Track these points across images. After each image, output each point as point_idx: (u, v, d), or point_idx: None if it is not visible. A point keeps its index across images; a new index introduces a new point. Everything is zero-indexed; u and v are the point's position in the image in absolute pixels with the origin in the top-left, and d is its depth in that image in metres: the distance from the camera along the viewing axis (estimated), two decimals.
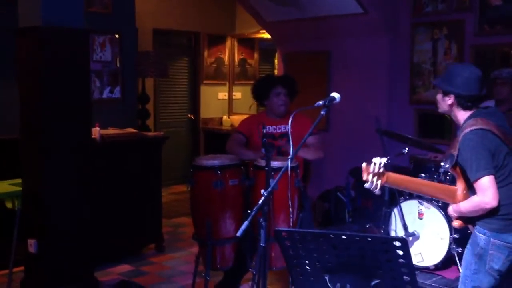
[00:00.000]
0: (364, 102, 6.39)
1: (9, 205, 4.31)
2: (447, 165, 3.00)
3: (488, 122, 2.89)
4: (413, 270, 2.27)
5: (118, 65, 6.05)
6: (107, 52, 5.97)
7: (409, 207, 4.51)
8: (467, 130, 2.88)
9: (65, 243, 4.30)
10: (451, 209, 3.02)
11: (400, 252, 2.23)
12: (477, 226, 2.93)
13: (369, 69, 6.45)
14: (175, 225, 6.50)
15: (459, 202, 2.98)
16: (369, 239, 2.28)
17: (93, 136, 4.73)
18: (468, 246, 3.00)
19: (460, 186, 2.99)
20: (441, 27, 5.97)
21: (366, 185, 2.81)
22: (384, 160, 2.78)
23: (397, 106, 6.35)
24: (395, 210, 4.49)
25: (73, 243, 4.34)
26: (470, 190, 2.93)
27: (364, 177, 2.81)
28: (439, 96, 3.07)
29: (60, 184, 4.27)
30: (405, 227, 4.43)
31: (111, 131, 5.32)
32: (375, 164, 2.77)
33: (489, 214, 2.85)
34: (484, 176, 2.79)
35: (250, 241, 3.79)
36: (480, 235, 2.90)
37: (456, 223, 3.04)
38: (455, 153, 2.92)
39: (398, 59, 6.31)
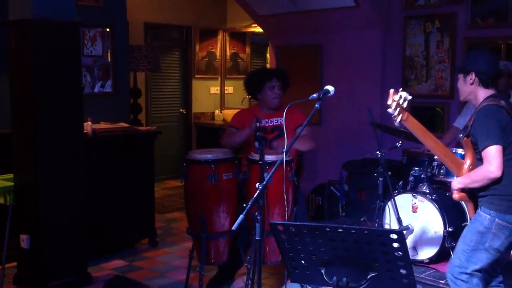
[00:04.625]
0: (356, 95, 6.38)
1: (1, 200, 4.28)
2: (460, 135, 3.15)
3: (505, 104, 3.06)
4: (409, 263, 2.28)
5: (109, 59, 6.00)
6: (97, 46, 5.91)
7: (403, 200, 4.50)
8: (484, 104, 3.04)
9: (58, 238, 4.29)
10: (455, 182, 3.12)
11: (397, 245, 2.22)
12: (482, 207, 3.05)
13: (361, 62, 6.45)
14: (168, 220, 6.48)
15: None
16: (366, 232, 2.28)
17: (85, 131, 4.70)
18: (469, 223, 3.11)
19: (468, 160, 3.12)
20: (433, 20, 5.97)
21: (389, 110, 2.88)
22: (409, 97, 2.87)
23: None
24: (389, 203, 4.48)
25: (65, 239, 4.33)
26: (477, 165, 3.05)
27: (389, 102, 2.87)
28: (460, 82, 3.20)
29: (52, 179, 4.24)
30: (399, 220, 4.42)
31: (103, 125, 5.29)
32: (401, 96, 2.85)
33: (496, 194, 2.99)
34: (492, 145, 2.92)
35: (245, 235, 3.79)
36: (485, 215, 3.02)
37: (456, 195, 3.13)
38: (470, 124, 3.07)
39: (391, 52, 6.31)
